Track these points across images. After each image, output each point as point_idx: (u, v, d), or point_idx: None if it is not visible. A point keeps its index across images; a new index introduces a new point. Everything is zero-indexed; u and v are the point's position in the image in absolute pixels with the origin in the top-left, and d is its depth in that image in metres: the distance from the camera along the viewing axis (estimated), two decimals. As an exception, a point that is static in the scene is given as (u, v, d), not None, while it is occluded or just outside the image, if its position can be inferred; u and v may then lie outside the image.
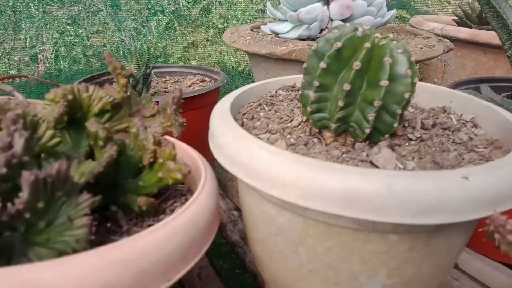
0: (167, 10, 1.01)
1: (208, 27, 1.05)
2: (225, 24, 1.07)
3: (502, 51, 0.80)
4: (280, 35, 0.63)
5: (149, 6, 0.99)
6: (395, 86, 0.30)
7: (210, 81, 0.69)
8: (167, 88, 0.70)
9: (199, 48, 1.04)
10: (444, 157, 0.31)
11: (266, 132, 0.35)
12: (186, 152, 0.37)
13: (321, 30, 0.61)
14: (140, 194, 0.31)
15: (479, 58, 0.83)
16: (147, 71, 0.60)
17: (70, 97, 0.31)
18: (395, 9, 0.65)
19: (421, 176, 0.22)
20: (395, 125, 0.31)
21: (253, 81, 0.54)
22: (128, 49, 0.97)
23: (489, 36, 0.75)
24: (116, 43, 0.96)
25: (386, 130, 0.32)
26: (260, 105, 0.41)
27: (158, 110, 0.37)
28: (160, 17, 1.01)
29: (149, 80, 0.60)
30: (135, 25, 0.98)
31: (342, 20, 0.59)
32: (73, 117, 0.33)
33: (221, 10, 1.07)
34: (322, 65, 0.30)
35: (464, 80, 0.60)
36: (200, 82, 0.68)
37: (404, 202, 0.22)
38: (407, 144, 0.34)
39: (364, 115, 0.31)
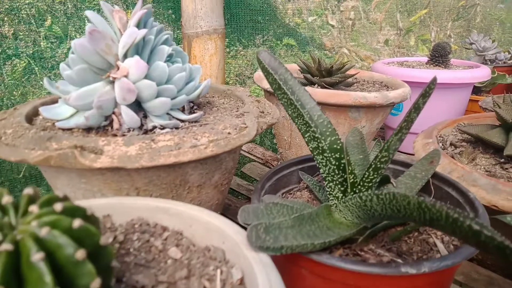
0: (24, 53, 0.89)
1: (79, 67, 0.96)
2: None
3: (341, 108, 0.76)
4: (58, 124, 0.48)
5: (0, 51, 0.85)
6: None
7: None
8: None
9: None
10: None
11: None
12: None
13: (107, 117, 0.47)
14: None
15: (322, 113, 0.79)
16: None
17: None
18: (209, 79, 0.55)
19: None
20: None
21: None
22: None
23: (323, 94, 0.70)
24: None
25: None
26: None
27: None
28: (15, 62, 0.88)
29: None
30: (-20, 74, 0.84)
31: (128, 106, 0.46)
32: None
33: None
34: None
35: (291, 162, 0.51)
36: None
37: None
38: None
39: None
